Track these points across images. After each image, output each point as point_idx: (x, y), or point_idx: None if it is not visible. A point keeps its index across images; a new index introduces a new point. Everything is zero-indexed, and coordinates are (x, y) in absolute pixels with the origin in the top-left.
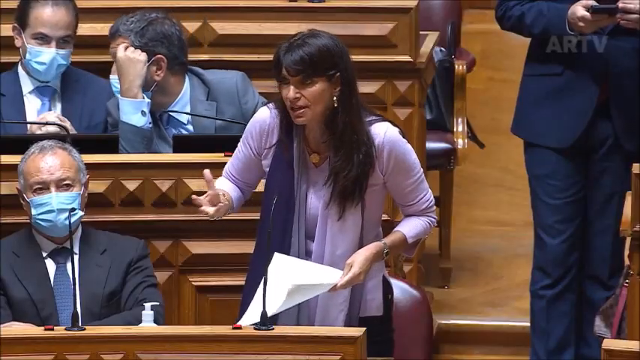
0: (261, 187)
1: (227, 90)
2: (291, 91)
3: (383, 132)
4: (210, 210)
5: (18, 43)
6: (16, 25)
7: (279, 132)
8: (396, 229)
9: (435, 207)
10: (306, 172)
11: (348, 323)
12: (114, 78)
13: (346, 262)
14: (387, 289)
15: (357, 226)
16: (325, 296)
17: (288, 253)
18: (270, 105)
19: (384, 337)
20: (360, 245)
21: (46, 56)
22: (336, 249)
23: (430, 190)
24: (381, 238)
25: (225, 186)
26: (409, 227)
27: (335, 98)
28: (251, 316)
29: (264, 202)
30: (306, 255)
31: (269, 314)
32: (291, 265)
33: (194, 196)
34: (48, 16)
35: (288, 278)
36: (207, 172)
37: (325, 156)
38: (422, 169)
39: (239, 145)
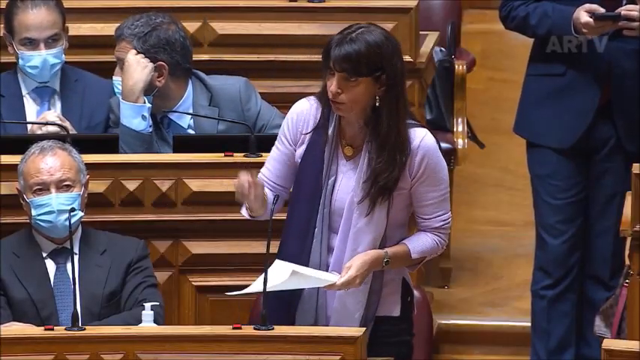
0: None
1: (230, 96)
2: (333, 85)
3: (420, 137)
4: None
5: (10, 50)
6: (6, 32)
7: (317, 121)
8: (402, 241)
9: (449, 230)
10: (336, 164)
11: (364, 321)
12: (117, 80)
13: (344, 265)
14: (407, 291)
15: (381, 225)
16: (342, 294)
17: (311, 245)
18: (311, 97)
19: (400, 338)
20: (382, 246)
21: (36, 59)
22: (358, 245)
23: (450, 213)
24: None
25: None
26: (416, 243)
27: (378, 97)
28: (254, 286)
29: (294, 190)
30: (328, 251)
31: (268, 289)
32: (294, 266)
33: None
34: (30, 19)
35: (291, 267)
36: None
37: (359, 149)
38: (449, 189)
39: (274, 147)
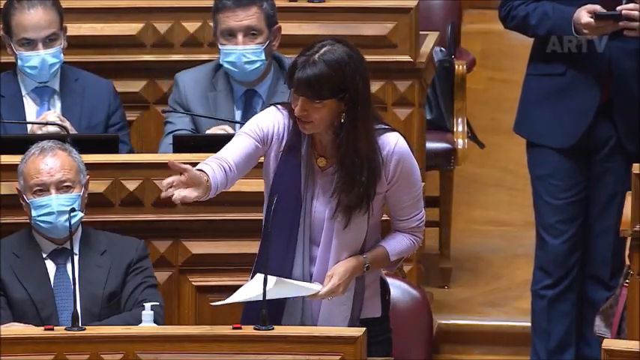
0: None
1: None
2: (297, 108)
3: (394, 142)
4: (184, 193)
5: (9, 51)
6: (4, 34)
7: (289, 134)
8: (380, 243)
9: (424, 227)
10: (312, 176)
11: (350, 325)
12: (231, 48)
13: (326, 274)
14: (385, 289)
15: (361, 232)
16: (327, 305)
17: (293, 258)
18: (279, 106)
19: (383, 337)
20: (363, 249)
21: (35, 60)
22: (341, 255)
23: (424, 211)
24: (379, 241)
25: (207, 167)
26: (393, 244)
27: (343, 114)
28: (237, 296)
29: (269, 204)
30: (310, 262)
31: (247, 299)
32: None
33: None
34: (27, 19)
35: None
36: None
37: (332, 160)
38: (422, 187)
39: (239, 137)
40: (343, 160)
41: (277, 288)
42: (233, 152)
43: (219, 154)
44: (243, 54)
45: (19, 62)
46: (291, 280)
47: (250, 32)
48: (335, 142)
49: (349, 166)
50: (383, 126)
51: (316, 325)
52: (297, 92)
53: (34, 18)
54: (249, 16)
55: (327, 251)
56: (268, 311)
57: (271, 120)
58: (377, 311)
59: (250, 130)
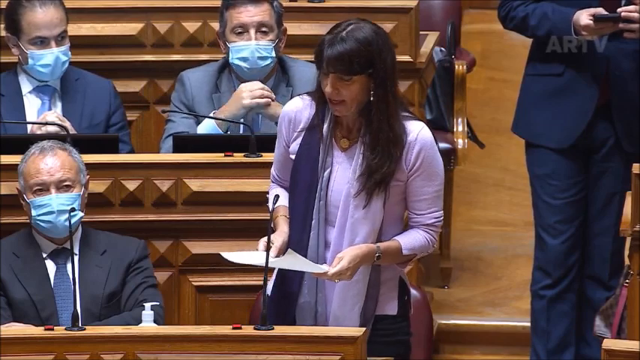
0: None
1: (306, 79)
2: (328, 86)
3: (417, 130)
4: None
5: (15, 51)
6: (9, 34)
7: (314, 117)
8: (394, 237)
9: (440, 228)
10: (332, 156)
11: (363, 319)
12: (243, 45)
13: (337, 255)
14: (404, 290)
15: (378, 217)
16: (341, 288)
17: (308, 239)
18: (304, 96)
19: (399, 338)
20: (378, 241)
21: (49, 58)
22: (355, 238)
23: (442, 211)
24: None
25: (281, 196)
26: (407, 239)
27: (372, 92)
28: (239, 256)
29: (290, 184)
30: (325, 244)
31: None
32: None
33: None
34: (40, 18)
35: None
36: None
37: (354, 141)
38: (442, 187)
39: (276, 147)
40: (377, 135)
41: (287, 259)
42: (282, 168)
43: (276, 173)
44: (257, 49)
45: (30, 61)
46: (302, 257)
47: (262, 28)
48: (360, 122)
49: (384, 141)
50: (407, 114)
51: (329, 313)
52: (328, 69)
53: (46, 16)
54: (261, 12)
55: (342, 234)
56: (284, 296)
57: (292, 113)
58: (393, 309)
59: (281, 138)
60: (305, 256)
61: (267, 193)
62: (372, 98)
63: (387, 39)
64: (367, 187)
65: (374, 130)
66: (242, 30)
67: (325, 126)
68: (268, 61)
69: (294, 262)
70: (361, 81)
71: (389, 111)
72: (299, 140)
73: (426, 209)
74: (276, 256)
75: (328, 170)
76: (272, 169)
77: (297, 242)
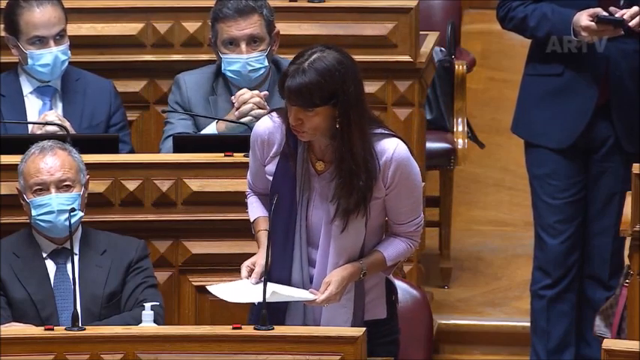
0: None
1: None
2: (291, 117)
3: (392, 148)
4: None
5: (15, 52)
6: (8, 35)
7: (284, 140)
8: (376, 248)
9: (422, 231)
10: (309, 180)
11: (353, 326)
12: (235, 57)
13: (323, 280)
14: (391, 290)
15: (360, 235)
16: (327, 308)
17: (291, 262)
18: (273, 114)
19: (390, 338)
20: (362, 252)
21: (48, 57)
22: (340, 259)
23: (422, 215)
24: (376, 246)
25: (258, 208)
26: (391, 250)
27: (338, 120)
28: (222, 289)
29: (270, 202)
30: (309, 264)
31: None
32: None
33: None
34: (37, 18)
35: (272, 287)
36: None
37: (330, 164)
38: (422, 191)
39: (250, 160)
40: (340, 165)
41: (273, 294)
42: (259, 179)
43: (252, 182)
44: (248, 62)
45: (29, 61)
46: (287, 288)
47: (253, 40)
48: (333, 146)
49: (347, 171)
50: (382, 130)
51: (319, 322)
52: (290, 102)
53: (44, 15)
54: (251, 25)
55: (326, 255)
56: (273, 309)
57: (265, 135)
58: (382, 313)
59: (255, 155)
60: (289, 274)
61: (247, 197)
62: (337, 126)
63: (351, 67)
64: (341, 212)
65: (338, 159)
66: (233, 44)
67: (300, 149)
68: (261, 72)
69: (280, 295)
70: (324, 112)
71: (353, 140)
72: (275, 161)
73: (406, 219)
74: (257, 283)
75: (307, 194)
76: (248, 176)
77: (281, 262)
